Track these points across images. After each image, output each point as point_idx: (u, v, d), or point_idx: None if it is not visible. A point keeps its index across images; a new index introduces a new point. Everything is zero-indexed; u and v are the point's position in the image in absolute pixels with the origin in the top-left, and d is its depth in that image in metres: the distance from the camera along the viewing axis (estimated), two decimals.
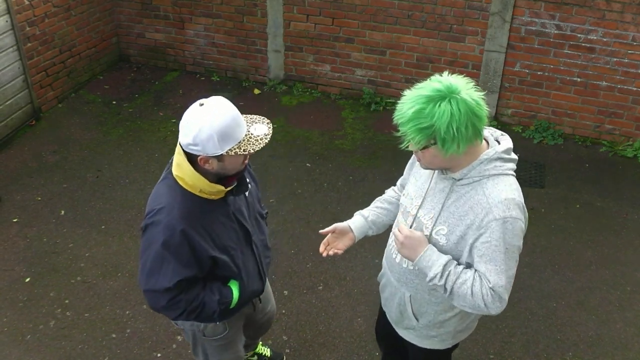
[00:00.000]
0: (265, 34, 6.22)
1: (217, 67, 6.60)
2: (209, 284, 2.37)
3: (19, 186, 4.88)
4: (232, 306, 2.44)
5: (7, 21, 5.18)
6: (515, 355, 3.56)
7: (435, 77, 1.98)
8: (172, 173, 2.25)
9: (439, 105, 1.88)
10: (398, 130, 1.97)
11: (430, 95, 1.90)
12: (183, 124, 2.12)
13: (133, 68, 6.80)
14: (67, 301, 3.87)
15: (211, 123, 2.05)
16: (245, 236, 2.45)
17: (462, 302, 2.11)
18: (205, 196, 2.22)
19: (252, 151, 2.12)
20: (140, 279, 2.28)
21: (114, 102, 6.11)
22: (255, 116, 2.25)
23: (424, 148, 1.98)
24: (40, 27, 5.64)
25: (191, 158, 2.16)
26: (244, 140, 2.13)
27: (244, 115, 2.21)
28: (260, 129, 2.18)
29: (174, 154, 2.26)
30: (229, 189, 2.25)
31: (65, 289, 3.96)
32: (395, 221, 2.41)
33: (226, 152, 2.10)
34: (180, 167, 2.19)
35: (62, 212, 4.62)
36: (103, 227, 4.48)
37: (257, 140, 2.14)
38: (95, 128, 5.69)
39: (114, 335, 3.64)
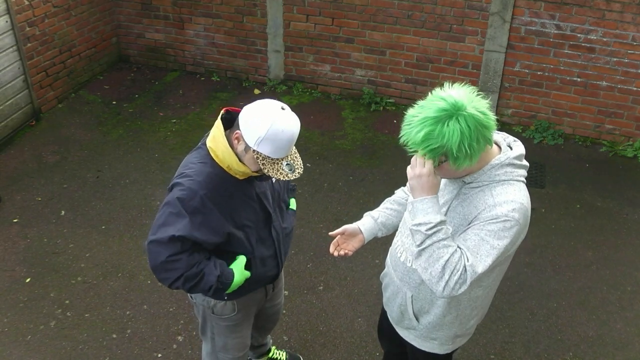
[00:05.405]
0: (265, 34, 6.22)
1: (217, 67, 6.60)
2: (214, 258, 2.39)
3: (19, 186, 4.87)
4: (231, 289, 2.44)
5: (7, 21, 5.18)
6: (515, 356, 3.56)
7: (437, 93, 1.93)
8: (205, 144, 2.35)
9: (448, 125, 1.85)
10: (410, 149, 1.94)
11: (437, 116, 1.86)
12: (259, 103, 2.23)
13: (133, 68, 6.80)
14: (67, 301, 3.87)
15: (272, 124, 2.16)
16: (265, 219, 2.50)
17: (427, 265, 1.97)
18: (231, 173, 2.31)
19: (262, 172, 2.24)
20: (150, 231, 2.30)
21: (114, 102, 6.11)
22: (299, 161, 2.33)
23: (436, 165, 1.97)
24: (40, 28, 5.64)
25: (229, 129, 2.29)
26: (272, 160, 2.23)
27: (296, 152, 2.33)
28: (289, 169, 2.26)
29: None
30: (253, 173, 2.33)
31: (65, 289, 3.96)
32: (402, 220, 2.40)
33: (252, 150, 2.20)
34: (215, 140, 2.30)
35: (63, 212, 4.62)
36: (103, 227, 4.48)
37: (277, 172, 2.23)
38: (95, 128, 5.68)
39: (114, 336, 3.64)
